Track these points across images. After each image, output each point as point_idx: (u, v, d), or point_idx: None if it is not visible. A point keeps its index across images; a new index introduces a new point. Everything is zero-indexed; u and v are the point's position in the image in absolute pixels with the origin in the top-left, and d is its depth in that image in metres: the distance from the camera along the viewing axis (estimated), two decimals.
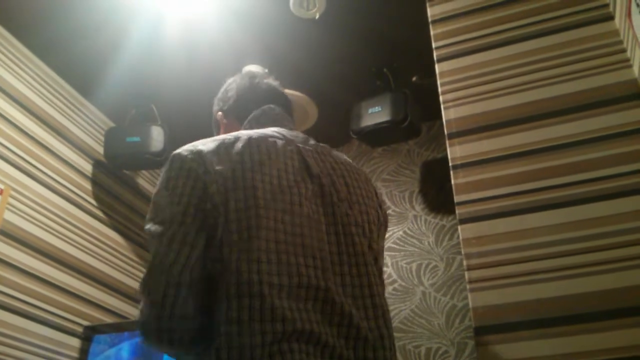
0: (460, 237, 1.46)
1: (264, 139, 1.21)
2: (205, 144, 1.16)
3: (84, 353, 2.60)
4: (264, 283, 1.00)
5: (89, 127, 3.00)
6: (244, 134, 1.21)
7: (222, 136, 1.20)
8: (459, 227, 1.48)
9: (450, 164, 1.57)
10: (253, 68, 2.79)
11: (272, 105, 1.41)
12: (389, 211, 3.01)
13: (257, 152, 1.17)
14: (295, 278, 1.04)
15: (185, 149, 1.16)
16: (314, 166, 1.22)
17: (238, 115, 1.43)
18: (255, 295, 0.99)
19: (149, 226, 1.08)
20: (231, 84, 1.50)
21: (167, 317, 0.99)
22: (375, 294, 1.15)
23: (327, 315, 1.05)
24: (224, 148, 1.15)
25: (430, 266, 2.78)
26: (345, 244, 1.17)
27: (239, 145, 1.16)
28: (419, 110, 2.78)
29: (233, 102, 1.45)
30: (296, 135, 1.30)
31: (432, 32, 1.81)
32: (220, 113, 1.46)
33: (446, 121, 1.64)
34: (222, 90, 1.52)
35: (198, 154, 1.13)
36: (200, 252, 1.04)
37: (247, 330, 0.96)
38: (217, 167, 1.11)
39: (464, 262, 1.43)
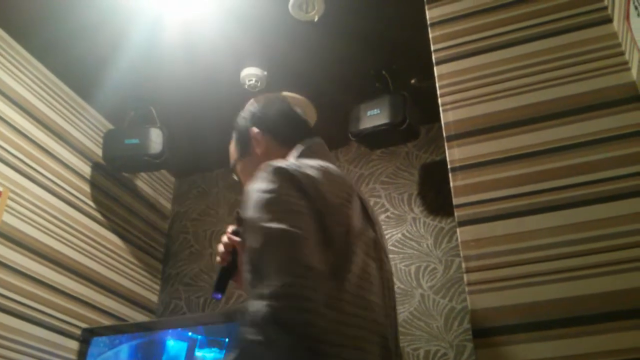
0: (459, 240, 1.46)
1: (340, 175, 1.29)
2: (301, 167, 1.21)
3: (82, 355, 2.60)
4: (352, 314, 1.10)
5: (88, 129, 3.00)
6: (323, 164, 1.27)
7: (309, 162, 1.26)
8: (458, 230, 1.48)
9: (449, 167, 1.57)
10: (252, 70, 2.80)
11: (319, 139, 1.49)
12: (388, 213, 3.01)
13: (343, 190, 1.25)
14: (370, 313, 1.16)
15: (289, 166, 1.20)
16: (370, 211, 1.33)
17: (277, 137, 1.48)
18: (347, 324, 1.08)
19: (275, 225, 1.09)
20: (267, 105, 1.55)
21: (306, 309, 1.01)
22: (399, 337, 1.30)
23: (383, 351, 1.17)
24: (321, 175, 1.22)
25: (429, 269, 2.78)
26: (387, 288, 1.28)
27: (330, 177, 1.24)
28: (417, 113, 2.78)
29: (272, 123, 1.50)
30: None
31: (430, 35, 1.81)
32: (256, 130, 1.48)
33: (445, 124, 1.64)
34: (253, 107, 1.56)
35: (305, 175, 1.19)
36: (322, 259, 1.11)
37: (343, 354, 1.05)
38: (322, 193, 1.19)
39: (463, 265, 1.43)
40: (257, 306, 1.00)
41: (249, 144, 1.49)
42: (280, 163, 1.21)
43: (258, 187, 1.18)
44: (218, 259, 1.46)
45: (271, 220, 1.10)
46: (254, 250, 1.10)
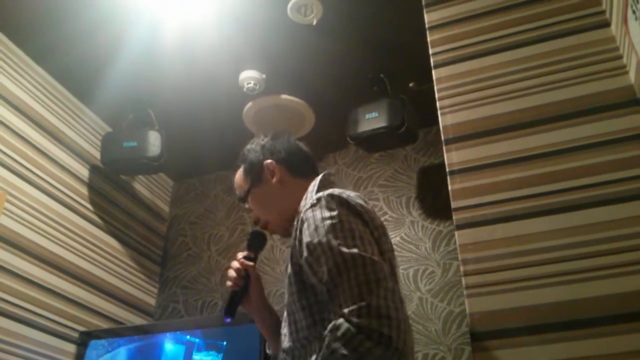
0: (457, 243, 1.46)
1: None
2: (350, 195, 1.32)
3: (79, 358, 2.59)
4: (408, 332, 1.15)
5: (86, 132, 3.00)
6: (357, 194, 1.37)
7: (352, 192, 1.35)
8: (456, 233, 1.48)
9: (447, 170, 1.57)
10: (251, 73, 2.80)
11: (330, 170, 1.57)
12: (386, 217, 3.01)
13: (379, 217, 1.36)
14: (411, 331, 1.24)
15: (342, 194, 1.30)
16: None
17: (290, 167, 1.55)
18: (408, 343, 1.13)
19: (347, 250, 1.18)
20: (275, 138, 1.62)
21: (407, 330, 1.11)
22: None
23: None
24: (365, 203, 1.33)
25: (427, 272, 2.78)
26: None
27: (368, 205, 1.34)
28: (415, 116, 2.78)
29: (286, 156, 1.57)
30: None
31: (429, 38, 1.82)
32: (271, 161, 1.55)
33: (443, 127, 1.65)
34: (262, 141, 1.62)
35: (358, 203, 1.30)
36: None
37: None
38: (373, 219, 1.30)
39: (461, 268, 1.43)
40: (341, 324, 1.07)
41: (262, 174, 1.54)
42: (334, 191, 1.30)
43: (319, 214, 1.25)
44: (229, 283, 1.49)
45: (342, 246, 1.18)
46: (326, 272, 1.17)
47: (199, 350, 2.46)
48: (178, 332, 2.54)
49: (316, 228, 1.23)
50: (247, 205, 1.59)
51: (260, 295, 1.53)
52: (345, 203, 1.28)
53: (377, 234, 1.28)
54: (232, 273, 1.49)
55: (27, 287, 2.43)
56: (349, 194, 1.32)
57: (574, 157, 1.46)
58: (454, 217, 1.50)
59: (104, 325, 2.82)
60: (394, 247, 2.82)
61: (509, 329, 1.31)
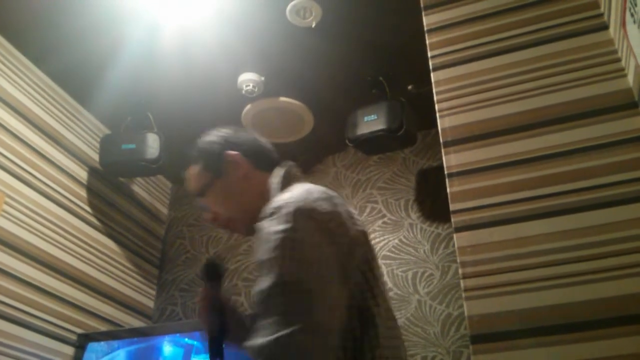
0: (456, 245, 1.46)
1: (340, 197, 1.27)
2: (315, 200, 1.17)
3: None
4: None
5: (85, 134, 3.00)
6: (322, 189, 1.24)
7: (318, 189, 1.22)
8: (455, 235, 1.48)
9: (445, 172, 1.57)
10: (249, 76, 2.80)
11: (292, 162, 1.46)
12: (385, 219, 3.01)
13: (351, 214, 1.25)
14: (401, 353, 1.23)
15: (311, 199, 1.17)
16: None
17: (254, 160, 1.44)
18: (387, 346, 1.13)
19: (290, 271, 1.06)
20: (237, 131, 1.51)
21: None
22: None
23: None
24: (332, 205, 1.19)
25: (426, 274, 2.78)
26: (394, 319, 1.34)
27: (338, 204, 1.21)
28: (414, 119, 2.79)
29: (250, 149, 1.46)
30: None
31: (427, 41, 1.82)
32: (237, 153, 1.43)
33: (441, 129, 1.65)
34: (223, 133, 1.49)
35: (327, 212, 1.16)
36: (345, 300, 1.12)
37: None
38: (343, 224, 1.18)
39: (460, 271, 1.43)
40: (257, 350, 1.00)
41: (223, 167, 1.42)
42: (298, 201, 1.15)
43: (274, 227, 1.11)
44: (205, 321, 1.37)
45: (285, 267, 1.06)
46: (266, 291, 1.05)
47: (197, 353, 2.46)
48: (176, 335, 2.54)
49: (266, 242, 1.11)
50: (204, 202, 1.44)
51: (238, 321, 1.43)
52: (306, 213, 1.13)
53: (348, 240, 1.16)
54: (205, 317, 1.36)
55: (25, 289, 2.43)
56: (315, 196, 1.18)
57: (572, 160, 1.46)
58: (452, 220, 1.50)
59: (102, 327, 2.81)
60: (393, 249, 2.85)
61: (508, 331, 1.31)
